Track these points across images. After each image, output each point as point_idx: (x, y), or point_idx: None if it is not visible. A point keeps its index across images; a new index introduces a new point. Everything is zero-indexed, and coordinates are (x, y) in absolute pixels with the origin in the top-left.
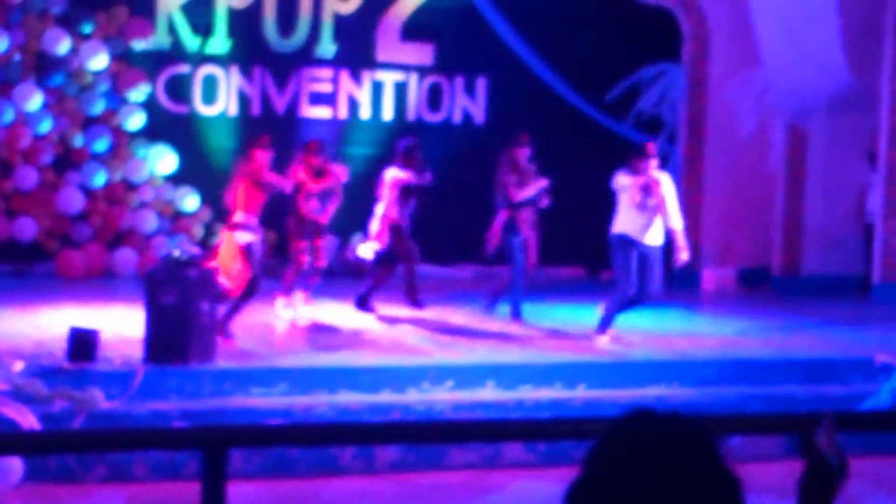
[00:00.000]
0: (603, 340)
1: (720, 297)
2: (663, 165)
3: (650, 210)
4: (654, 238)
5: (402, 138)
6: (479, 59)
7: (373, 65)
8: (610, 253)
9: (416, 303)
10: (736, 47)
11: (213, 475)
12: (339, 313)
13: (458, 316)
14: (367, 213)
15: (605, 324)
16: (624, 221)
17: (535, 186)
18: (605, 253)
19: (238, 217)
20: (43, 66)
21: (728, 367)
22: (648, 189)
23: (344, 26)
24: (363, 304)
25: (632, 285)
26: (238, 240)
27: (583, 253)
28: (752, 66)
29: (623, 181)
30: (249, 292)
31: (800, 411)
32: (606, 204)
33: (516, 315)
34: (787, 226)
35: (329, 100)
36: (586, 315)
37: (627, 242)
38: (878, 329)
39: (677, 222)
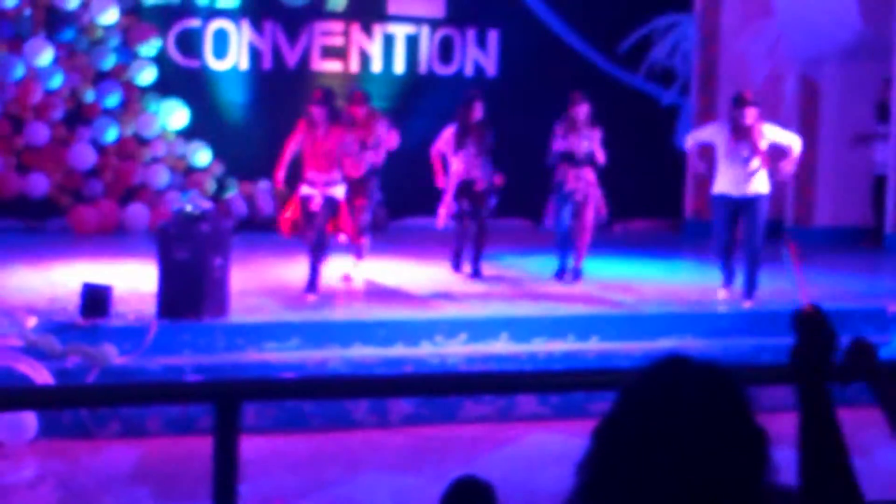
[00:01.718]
0: (722, 293)
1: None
2: (675, 116)
3: (744, 161)
4: (753, 188)
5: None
6: (490, 11)
7: (384, 18)
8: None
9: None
10: None
11: (225, 429)
12: (352, 268)
13: (466, 268)
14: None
15: (726, 276)
16: (718, 177)
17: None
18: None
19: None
20: (53, 21)
21: (740, 318)
22: (743, 137)
23: None
24: (457, 264)
25: (720, 242)
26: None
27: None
28: (764, 17)
29: (715, 129)
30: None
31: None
32: (619, 156)
33: (560, 272)
34: (799, 177)
35: (340, 53)
36: (597, 267)
37: (721, 201)
38: (891, 279)
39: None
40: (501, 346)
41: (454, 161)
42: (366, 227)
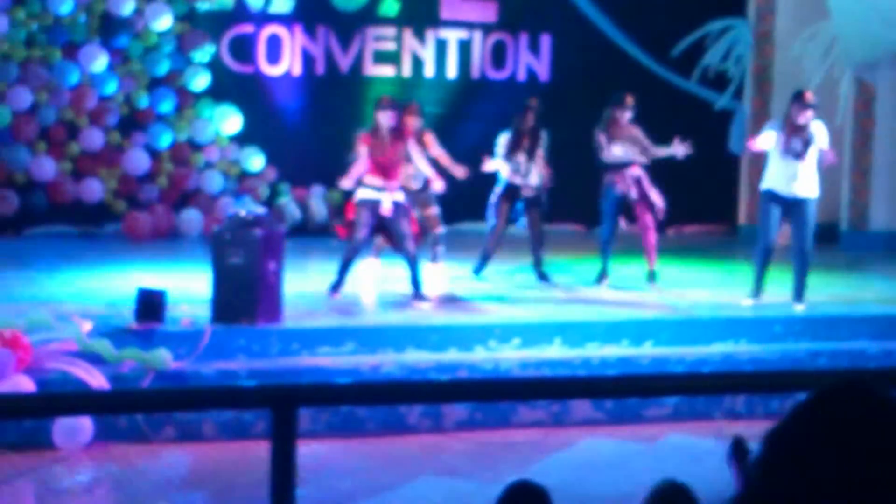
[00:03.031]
0: (748, 301)
1: (788, 252)
2: (729, 121)
3: (796, 158)
4: (803, 189)
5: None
6: (543, 15)
7: (436, 22)
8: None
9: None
10: (803, 1)
11: (283, 434)
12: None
13: (524, 274)
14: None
15: (756, 286)
16: (769, 174)
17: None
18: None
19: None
20: (108, 27)
21: (795, 323)
22: (797, 134)
23: None
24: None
25: (765, 240)
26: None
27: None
28: (819, 20)
29: (770, 133)
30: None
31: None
32: (672, 160)
33: (600, 277)
34: (855, 180)
35: (393, 58)
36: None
37: (770, 197)
38: None
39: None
40: (555, 350)
41: (503, 167)
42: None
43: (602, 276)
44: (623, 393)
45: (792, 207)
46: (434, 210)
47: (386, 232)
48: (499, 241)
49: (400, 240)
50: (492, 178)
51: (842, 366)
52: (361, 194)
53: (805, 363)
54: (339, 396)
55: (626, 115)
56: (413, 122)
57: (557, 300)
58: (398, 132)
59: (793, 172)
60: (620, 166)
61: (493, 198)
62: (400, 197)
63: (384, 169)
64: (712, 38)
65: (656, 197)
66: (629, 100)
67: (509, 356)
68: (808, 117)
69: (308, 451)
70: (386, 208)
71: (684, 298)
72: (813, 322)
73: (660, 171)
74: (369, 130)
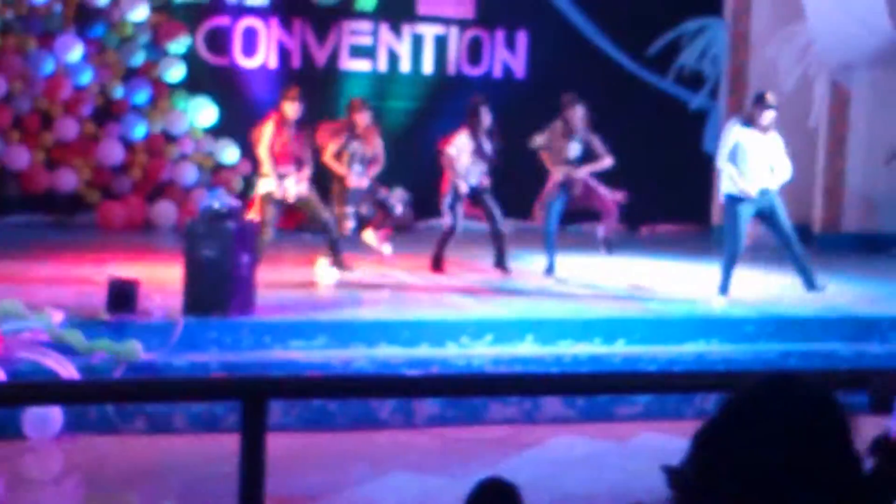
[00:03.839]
0: (719, 301)
1: (760, 252)
2: (704, 120)
3: (763, 161)
4: (771, 184)
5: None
6: (519, 12)
7: (413, 18)
8: (724, 212)
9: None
10: (779, 2)
11: (252, 426)
12: (379, 268)
13: (496, 271)
14: (408, 167)
15: (723, 285)
16: (736, 177)
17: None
18: (645, 208)
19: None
20: (83, 17)
21: (767, 323)
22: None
23: None
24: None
25: (734, 244)
26: None
27: (623, 208)
28: (794, 22)
29: (737, 131)
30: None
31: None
32: (646, 159)
33: (548, 270)
34: (828, 183)
35: (369, 53)
36: (625, 271)
37: (736, 200)
38: None
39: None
40: (527, 347)
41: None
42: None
43: (551, 268)
44: (595, 391)
45: (764, 206)
46: (383, 193)
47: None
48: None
49: (316, 211)
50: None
51: (813, 367)
52: (263, 187)
53: (776, 364)
54: (309, 389)
55: (579, 114)
56: (360, 118)
57: (530, 297)
58: (303, 124)
59: (757, 173)
60: (571, 164)
61: (449, 198)
62: (302, 179)
63: (283, 157)
64: (688, 38)
65: (605, 192)
66: (574, 99)
67: (481, 352)
68: (770, 118)
69: (278, 445)
70: (292, 191)
71: (657, 297)
72: (784, 323)
73: (634, 168)
74: (275, 118)
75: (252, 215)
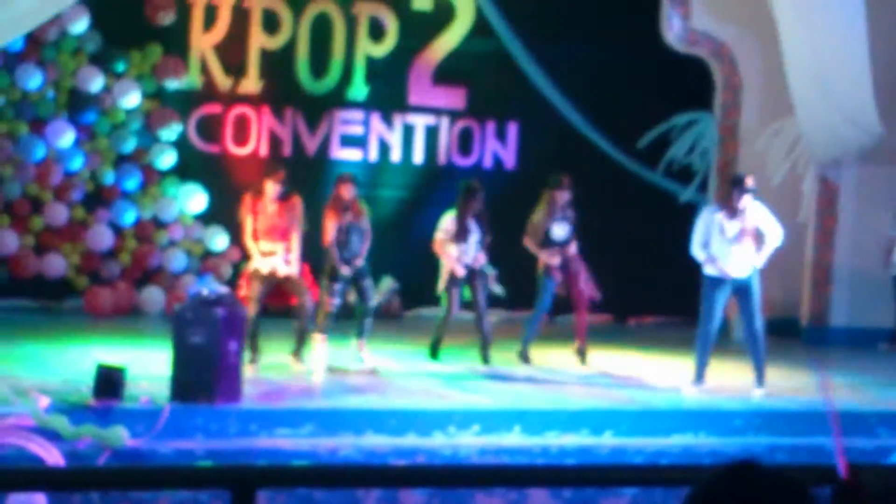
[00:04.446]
0: (690, 389)
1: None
2: (693, 213)
3: (736, 239)
4: (745, 271)
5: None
6: (510, 103)
7: (404, 108)
8: (701, 294)
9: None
10: (768, 98)
11: None
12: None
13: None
14: (397, 256)
15: (698, 373)
16: (712, 259)
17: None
18: (633, 299)
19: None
20: (75, 104)
21: (755, 417)
22: (737, 217)
23: (376, 69)
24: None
25: (707, 324)
26: None
27: (611, 299)
28: (784, 117)
29: (704, 218)
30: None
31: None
32: (635, 250)
33: (524, 355)
34: (816, 276)
35: (360, 142)
36: (612, 362)
37: (714, 282)
38: None
39: (777, 239)
40: (514, 438)
41: (456, 249)
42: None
43: (525, 354)
44: (582, 482)
45: (739, 289)
46: (366, 283)
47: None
48: (450, 324)
49: (299, 292)
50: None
51: (800, 461)
52: (252, 264)
53: (764, 458)
54: (298, 479)
55: (564, 196)
56: (346, 191)
57: (517, 387)
58: (285, 199)
59: (735, 254)
60: (558, 245)
61: (443, 283)
62: (291, 258)
63: (269, 233)
64: (678, 132)
65: (585, 280)
66: (566, 180)
67: (468, 442)
68: (748, 202)
69: None
70: (281, 270)
71: (644, 388)
72: (772, 416)
73: (623, 260)
74: (254, 197)
75: (241, 292)
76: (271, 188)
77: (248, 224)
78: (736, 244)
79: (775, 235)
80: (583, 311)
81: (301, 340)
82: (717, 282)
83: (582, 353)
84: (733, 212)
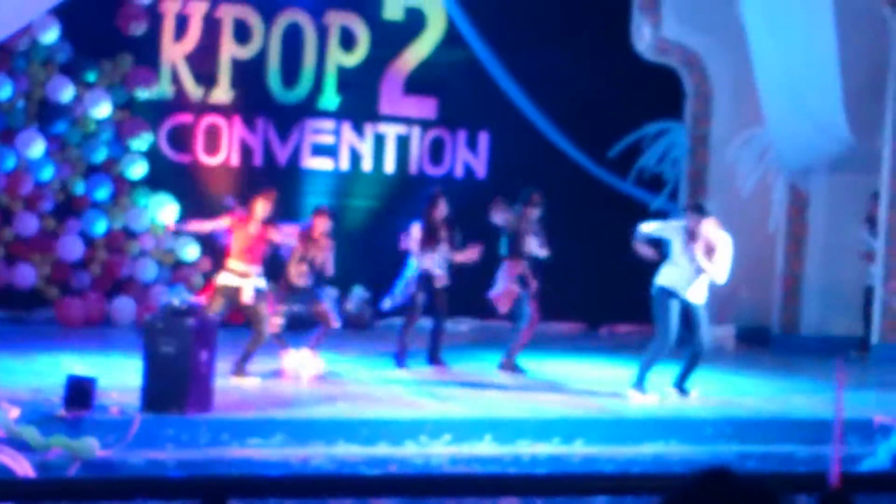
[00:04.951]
0: (635, 395)
1: (719, 354)
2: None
3: (692, 261)
4: (695, 295)
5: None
6: (481, 113)
7: (375, 117)
8: (652, 304)
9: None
10: (738, 106)
11: None
12: (337, 365)
13: (456, 370)
14: (368, 265)
15: (640, 379)
16: (668, 270)
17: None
18: (604, 308)
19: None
20: (46, 114)
21: (726, 425)
22: (695, 240)
23: (347, 79)
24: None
25: (665, 336)
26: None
27: (582, 308)
28: (754, 126)
29: (675, 228)
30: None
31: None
32: (607, 259)
33: (513, 367)
34: (787, 285)
35: (331, 151)
36: (584, 371)
37: (670, 294)
38: (877, 390)
39: (719, 277)
40: (486, 447)
41: (424, 258)
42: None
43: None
44: (553, 492)
45: (689, 307)
46: (324, 305)
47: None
48: (411, 329)
49: (257, 320)
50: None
51: (771, 469)
52: (224, 279)
53: (735, 465)
54: (268, 488)
55: (535, 213)
56: (322, 224)
57: (488, 396)
58: (268, 224)
59: (691, 275)
60: (530, 259)
61: (406, 290)
62: (261, 283)
63: (250, 256)
64: (648, 141)
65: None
66: (536, 197)
67: (440, 452)
68: (707, 226)
69: None
70: (248, 296)
71: (616, 398)
72: (743, 424)
73: (594, 269)
74: (245, 215)
75: (203, 299)
76: (261, 208)
77: (234, 244)
78: (690, 265)
79: (719, 272)
80: (535, 323)
81: (245, 356)
82: (668, 292)
83: (509, 367)
84: (692, 234)
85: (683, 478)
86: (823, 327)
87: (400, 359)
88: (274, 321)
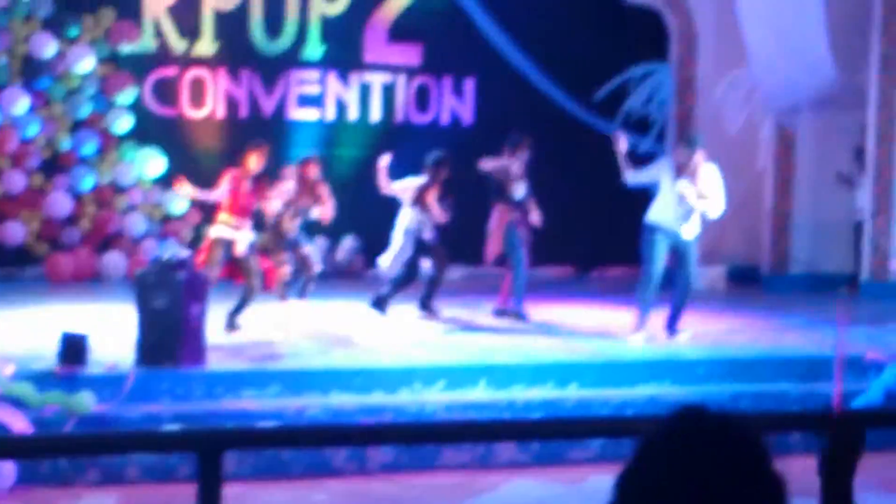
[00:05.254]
0: (637, 339)
1: (710, 294)
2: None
3: (683, 198)
4: (687, 230)
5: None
6: (467, 59)
7: (360, 66)
8: (640, 241)
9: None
10: (723, 47)
11: (208, 478)
12: (330, 315)
13: (448, 316)
14: (357, 214)
15: (640, 321)
16: (658, 207)
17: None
18: (595, 252)
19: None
20: (29, 70)
21: (719, 365)
22: (686, 175)
23: (331, 28)
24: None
25: (650, 273)
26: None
27: (572, 252)
28: (739, 66)
29: (662, 167)
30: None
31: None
32: (596, 202)
33: (517, 314)
34: (775, 224)
35: (317, 102)
36: (576, 314)
37: (657, 231)
38: (868, 326)
39: (715, 209)
40: (480, 393)
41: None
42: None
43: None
44: (548, 435)
45: (679, 244)
46: (305, 249)
47: (238, 267)
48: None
49: (249, 275)
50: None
51: (764, 408)
52: (217, 232)
53: (728, 405)
54: (264, 440)
55: (524, 157)
56: (313, 171)
57: (482, 342)
58: (261, 177)
59: (681, 211)
60: (521, 205)
61: (402, 252)
62: (251, 236)
63: (243, 210)
64: (634, 83)
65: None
66: (525, 141)
67: (434, 399)
68: (699, 158)
69: (231, 494)
70: (241, 248)
71: (609, 340)
72: (735, 364)
73: (582, 212)
74: (239, 170)
75: (200, 257)
76: (254, 162)
77: (226, 198)
78: (681, 201)
79: (714, 204)
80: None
81: (238, 307)
82: (656, 228)
83: (503, 314)
84: (683, 168)
85: (659, 419)
86: (813, 266)
87: (382, 305)
88: (281, 272)
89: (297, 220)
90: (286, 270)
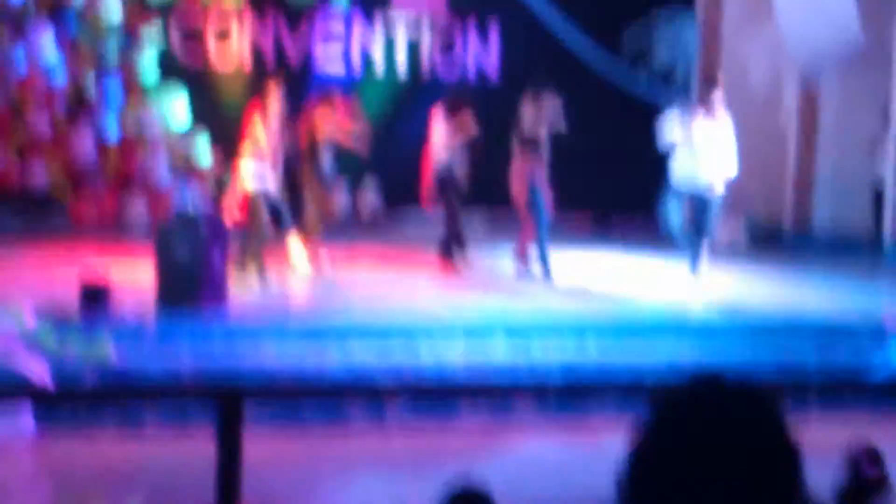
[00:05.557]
0: (693, 284)
1: (731, 252)
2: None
3: (702, 151)
4: (711, 182)
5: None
6: (490, 6)
7: (386, 11)
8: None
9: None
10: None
11: (228, 427)
12: (351, 265)
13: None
14: (380, 163)
15: (692, 266)
16: (677, 165)
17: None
18: (616, 201)
19: None
20: (57, 14)
21: (738, 325)
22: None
23: None
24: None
25: (675, 234)
26: None
27: (593, 200)
28: (765, 22)
29: (672, 123)
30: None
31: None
32: (617, 152)
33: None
34: (798, 182)
35: (342, 53)
36: (597, 267)
37: (677, 187)
38: (890, 289)
39: (729, 169)
40: (499, 347)
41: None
42: None
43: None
44: (567, 392)
45: (700, 195)
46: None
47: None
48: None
49: (254, 217)
50: None
51: (784, 370)
52: (251, 184)
53: (747, 366)
54: (283, 390)
55: (550, 100)
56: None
57: (502, 297)
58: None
59: (702, 160)
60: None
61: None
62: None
63: (269, 151)
64: (659, 28)
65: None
66: (549, 88)
67: (453, 351)
68: (719, 98)
69: (248, 446)
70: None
71: (629, 297)
72: (755, 325)
73: (604, 161)
74: (261, 111)
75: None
76: (274, 103)
77: (253, 144)
78: (702, 149)
79: (727, 164)
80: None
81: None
82: (669, 189)
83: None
84: (707, 112)
85: (673, 386)
86: (837, 225)
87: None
88: (331, 207)
89: (327, 156)
90: (334, 209)
